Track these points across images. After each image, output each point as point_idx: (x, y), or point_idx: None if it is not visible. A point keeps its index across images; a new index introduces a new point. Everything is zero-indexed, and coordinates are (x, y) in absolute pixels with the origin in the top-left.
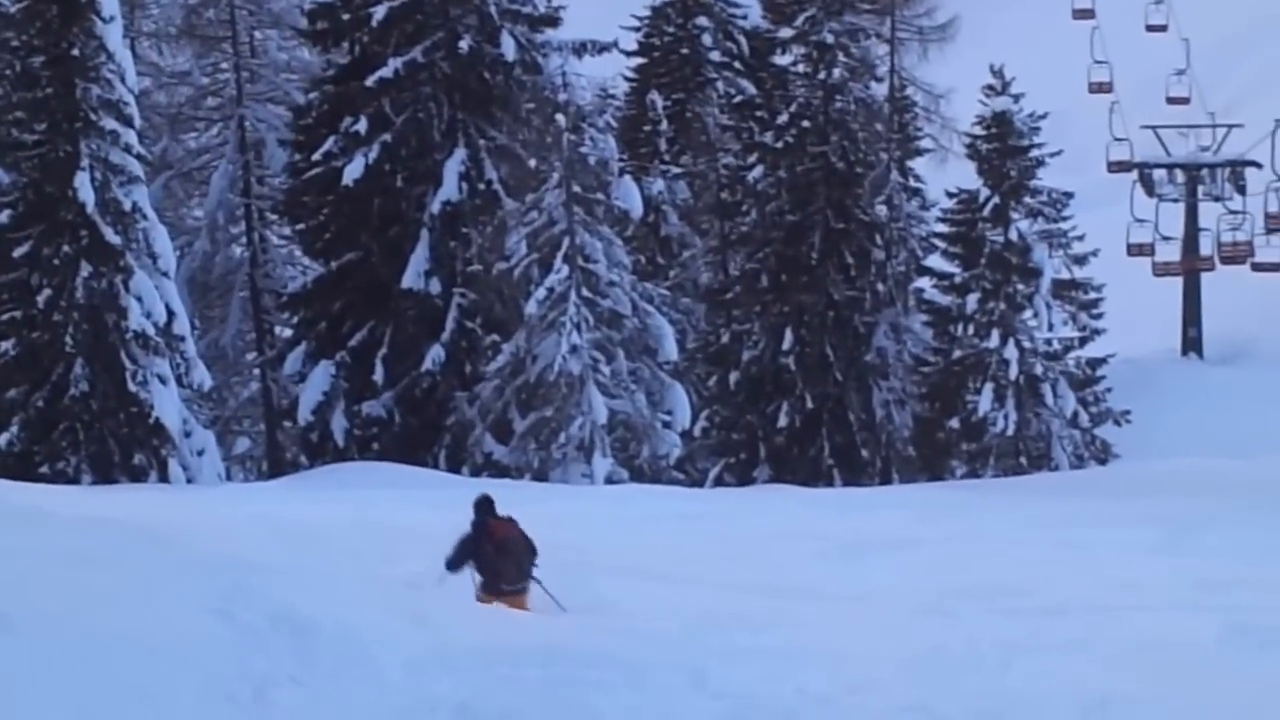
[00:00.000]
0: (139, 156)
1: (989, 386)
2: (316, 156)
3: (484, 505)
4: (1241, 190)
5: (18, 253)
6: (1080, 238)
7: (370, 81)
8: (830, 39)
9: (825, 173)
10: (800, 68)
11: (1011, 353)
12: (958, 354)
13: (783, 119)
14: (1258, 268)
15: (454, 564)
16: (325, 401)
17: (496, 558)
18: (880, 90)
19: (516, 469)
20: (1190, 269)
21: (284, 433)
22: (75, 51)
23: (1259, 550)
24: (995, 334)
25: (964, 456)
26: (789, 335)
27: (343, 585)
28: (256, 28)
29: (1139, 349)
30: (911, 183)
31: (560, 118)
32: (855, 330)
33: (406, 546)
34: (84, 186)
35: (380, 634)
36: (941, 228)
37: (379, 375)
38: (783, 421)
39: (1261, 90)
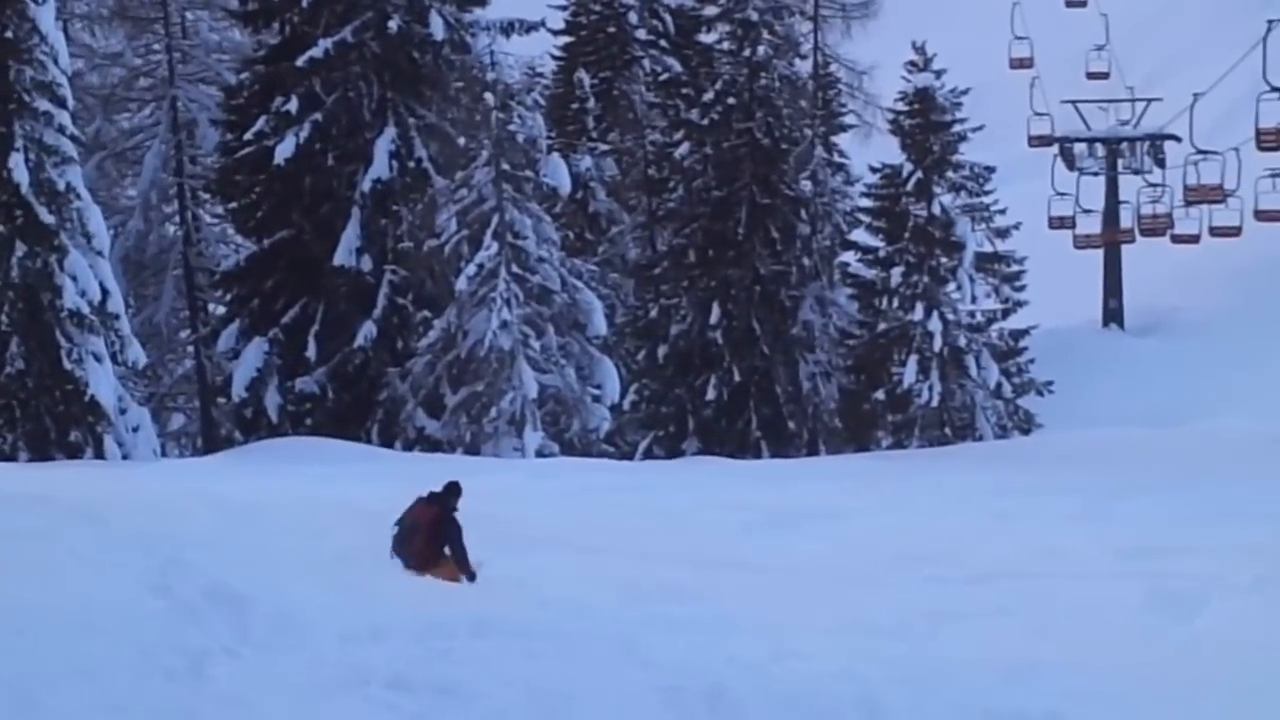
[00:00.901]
0: (73, 137)
1: (913, 358)
2: (248, 136)
3: (447, 490)
4: (1161, 163)
5: None
6: (1002, 211)
7: (301, 62)
8: (755, 16)
9: (751, 149)
10: (725, 45)
11: (935, 325)
12: (882, 327)
13: (708, 96)
14: (1177, 239)
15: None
16: (259, 378)
17: (404, 529)
18: (804, 67)
19: (448, 443)
20: (1111, 241)
21: (218, 409)
22: (8, 34)
23: (1179, 518)
24: (919, 307)
25: (889, 428)
26: (716, 309)
27: (277, 560)
28: (188, 9)
29: (1061, 320)
30: (836, 158)
31: (489, 96)
32: (781, 304)
33: (340, 520)
34: (18, 167)
35: (314, 607)
36: (865, 202)
37: (311, 351)
38: (711, 394)
39: (1180, 64)
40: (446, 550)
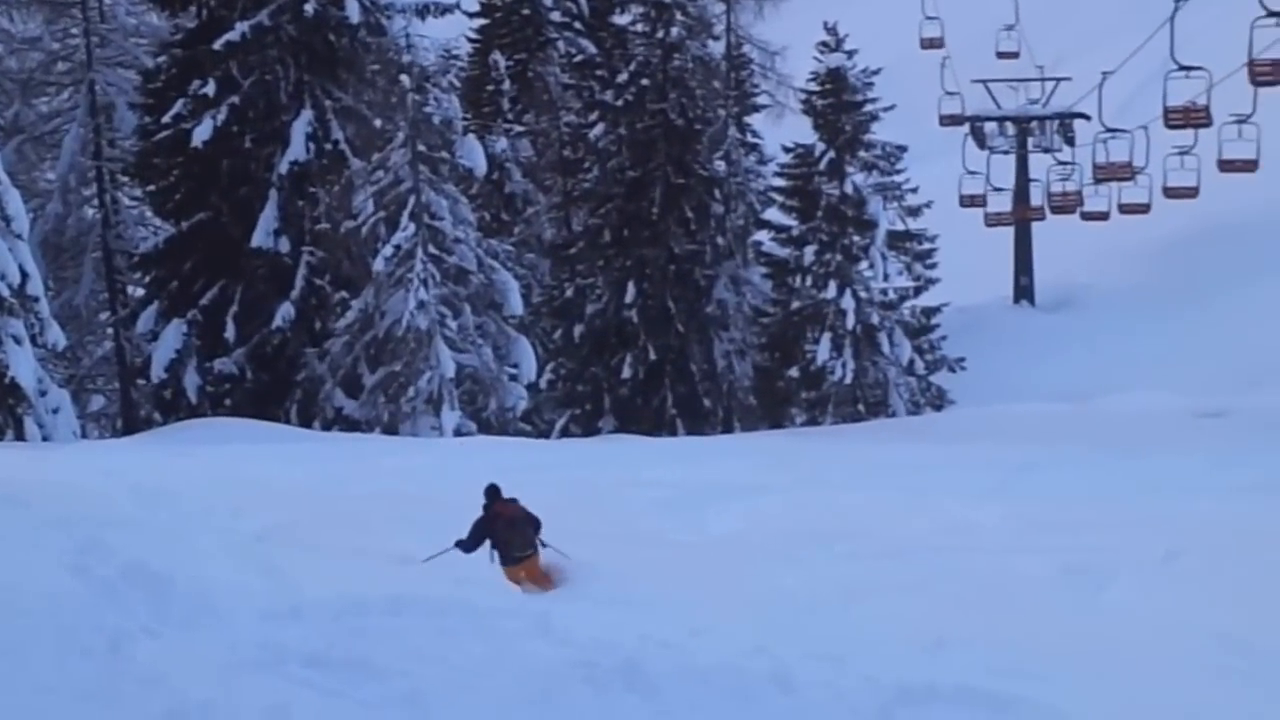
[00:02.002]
0: None
1: (827, 336)
2: (166, 119)
3: (492, 493)
4: (1070, 142)
5: None
6: (914, 190)
7: (218, 45)
8: None
9: (665, 130)
10: (639, 27)
11: (848, 303)
12: (796, 305)
13: (622, 77)
14: (1087, 217)
15: (469, 546)
16: (178, 359)
17: (506, 533)
18: (717, 48)
19: (366, 423)
20: (1021, 219)
21: (138, 390)
22: None
23: (1091, 492)
24: (832, 285)
25: (803, 405)
26: (631, 289)
27: (196, 540)
28: None
29: (972, 297)
30: (749, 138)
31: (405, 78)
32: (696, 283)
33: (258, 500)
34: None
35: (232, 586)
36: (779, 182)
37: (230, 333)
38: (626, 373)
39: (1089, 44)
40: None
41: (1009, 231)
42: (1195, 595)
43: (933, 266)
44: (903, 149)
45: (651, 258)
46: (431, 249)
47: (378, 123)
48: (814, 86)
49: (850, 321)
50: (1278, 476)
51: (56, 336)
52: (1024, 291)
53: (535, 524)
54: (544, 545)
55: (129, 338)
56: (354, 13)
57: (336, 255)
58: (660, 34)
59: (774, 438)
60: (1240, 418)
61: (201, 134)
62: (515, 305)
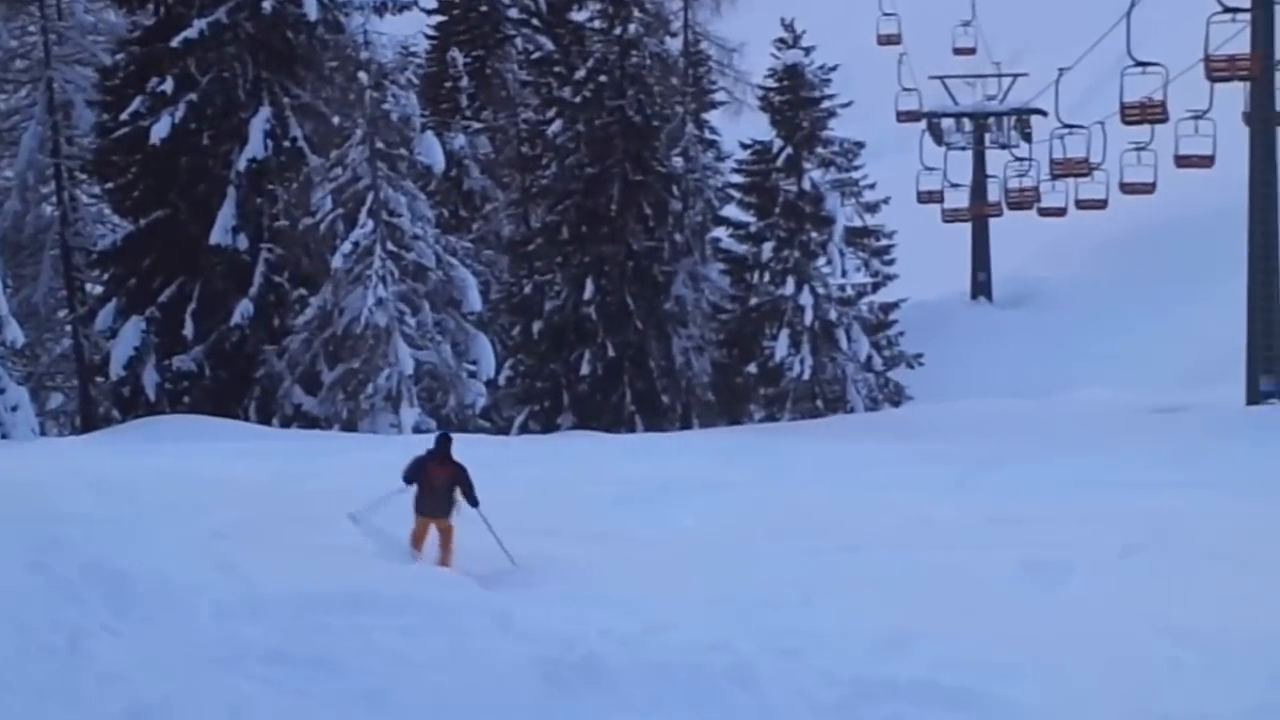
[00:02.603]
0: None
1: (785, 332)
2: (124, 116)
3: (439, 442)
4: (1027, 137)
5: None
6: (871, 186)
7: (176, 42)
8: None
9: (623, 126)
10: (596, 23)
11: (806, 299)
12: (754, 301)
13: (580, 74)
14: (1044, 213)
15: (406, 478)
16: (136, 356)
17: (427, 490)
18: (675, 45)
19: (325, 420)
20: (978, 215)
21: (96, 388)
22: None
23: (1048, 487)
24: (790, 281)
25: (762, 401)
26: (590, 285)
27: (155, 537)
28: None
29: (930, 293)
30: (707, 135)
31: (363, 75)
32: (654, 279)
33: (217, 497)
34: None
35: (192, 583)
36: (736, 178)
37: (189, 330)
38: (585, 369)
39: (1045, 40)
40: (457, 492)
41: (966, 227)
42: (1152, 590)
43: (890, 263)
44: (860, 145)
45: (610, 254)
46: (390, 246)
47: (336, 120)
48: (771, 83)
49: (808, 318)
50: (1233, 472)
51: (15, 334)
52: (981, 287)
53: (464, 489)
54: (475, 508)
55: (88, 335)
56: (312, 10)
57: (295, 252)
58: (618, 30)
59: (732, 434)
60: (1196, 414)
61: (160, 131)
62: (474, 302)
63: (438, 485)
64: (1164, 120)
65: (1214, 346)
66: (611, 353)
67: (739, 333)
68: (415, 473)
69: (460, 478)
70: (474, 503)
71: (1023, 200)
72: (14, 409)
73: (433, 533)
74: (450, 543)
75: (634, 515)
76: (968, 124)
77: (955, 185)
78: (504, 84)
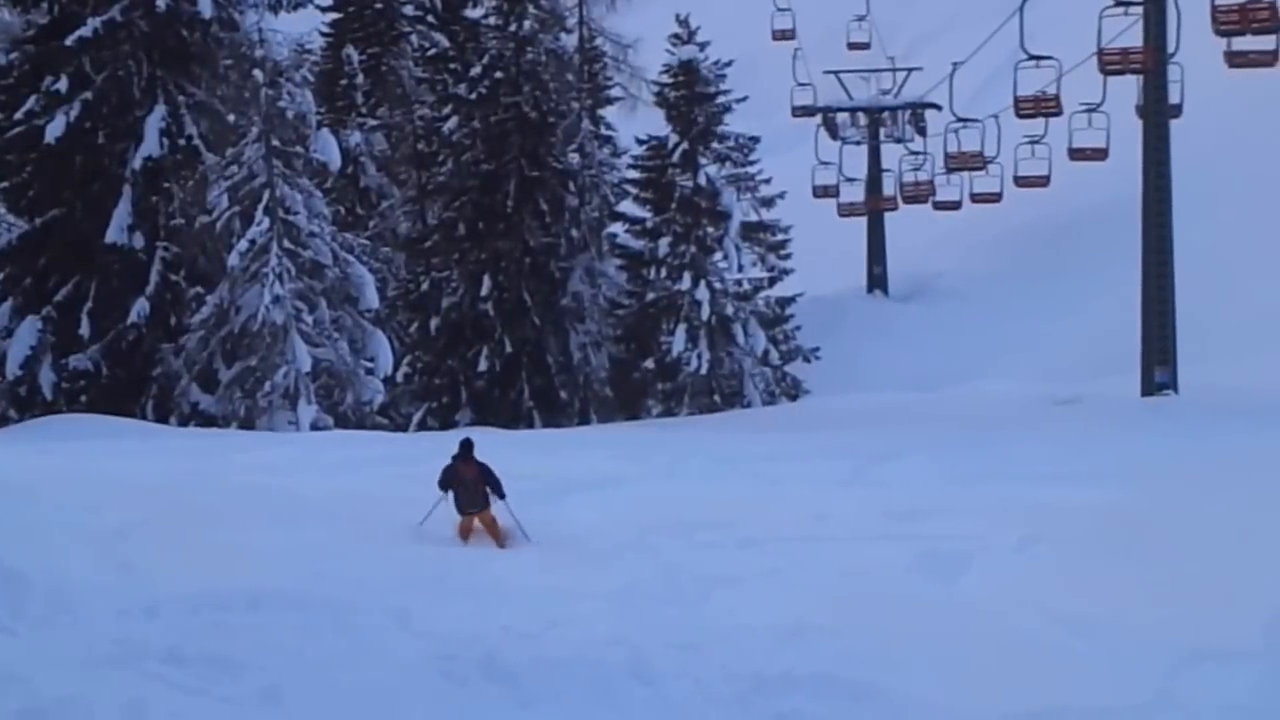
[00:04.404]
0: None
1: (682, 327)
2: (18, 115)
3: (463, 446)
4: (922, 131)
5: None
6: (767, 181)
7: (70, 41)
8: None
9: (518, 123)
10: (491, 20)
11: (703, 294)
12: (651, 296)
13: (476, 71)
14: (939, 206)
15: (442, 485)
16: (33, 356)
17: (459, 490)
18: (570, 41)
19: (223, 418)
20: (874, 209)
21: None
22: None
23: (945, 480)
24: (687, 276)
25: (659, 396)
26: (487, 281)
27: (52, 536)
28: None
29: (826, 288)
30: (603, 130)
31: (258, 73)
32: (551, 275)
33: (115, 497)
34: None
35: (89, 584)
36: (633, 174)
37: (85, 329)
38: (483, 366)
39: (939, 34)
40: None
41: (862, 222)
42: (1049, 581)
43: (786, 257)
44: (755, 140)
45: (506, 250)
46: (286, 243)
47: (231, 118)
48: (667, 79)
49: (705, 313)
50: (1128, 463)
51: None
52: (877, 281)
53: (492, 485)
54: (503, 500)
55: None
56: (206, 7)
57: (191, 251)
58: (513, 27)
59: (631, 429)
60: (1091, 405)
61: (54, 130)
62: (371, 299)
63: (468, 482)
64: (1058, 113)
65: (1111, 338)
66: (509, 349)
67: (636, 328)
68: (449, 478)
69: (487, 474)
70: (501, 495)
71: (918, 194)
72: None
73: (479, 525)
74: (497, 529)
75: (533, 511)
76: (863, 119)
77: (850, 180)
78: (399, 81)
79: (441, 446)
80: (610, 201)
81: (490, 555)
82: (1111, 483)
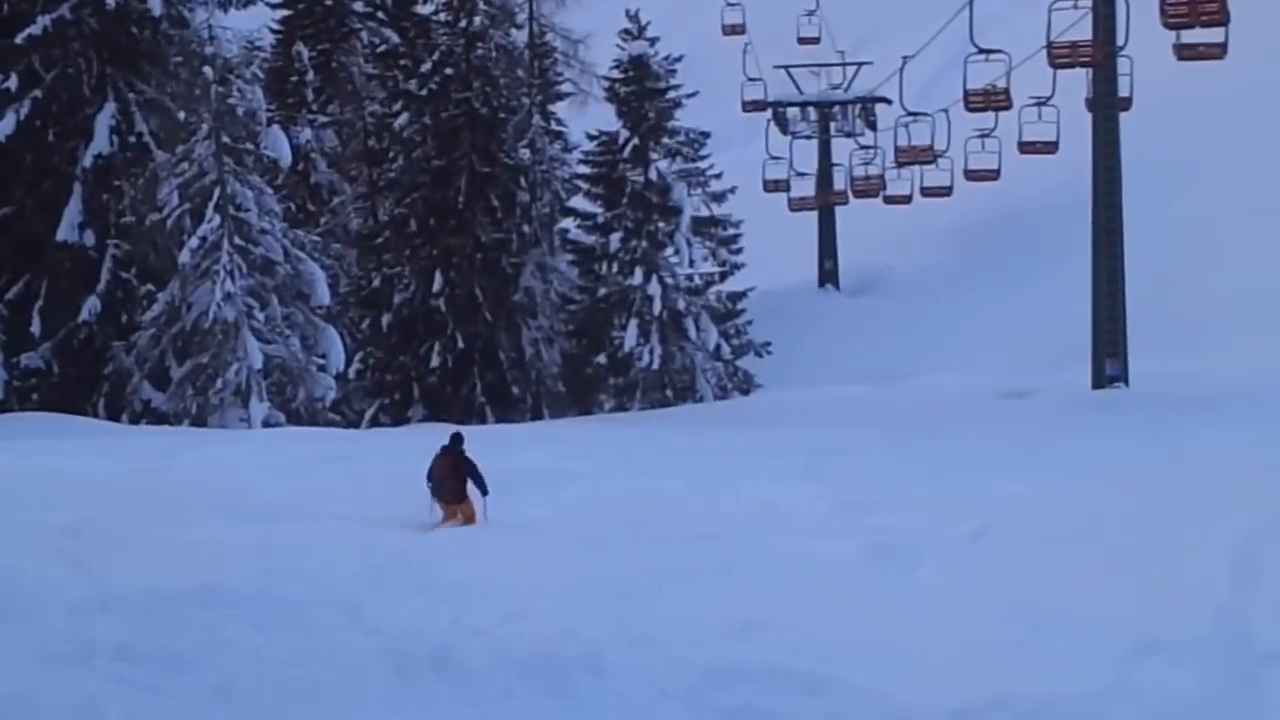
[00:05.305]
0: None
1: (634, 322)
2: None
3: (453, 439)
4: (872, 126)
5: None
6: (718, 176)
7: (19, 39)
8: None
9: (469, 119)
10: (442, 16)
11: (655, 289)
12: (603, 291)
13: (426, 67)
14: (889, 200)
15: (427, 477)
16: None
17: (436, 481)
18: (520, 37)
19: (175, 415)
20: (825, 203)
21: None
22: None
23: (893, 473)
24: (638, 271)
25: (611, 391)
26: (439, 277)
27: (4, 534)
28: None
29: (778, 282)
30: (553, 126)
31: (208, 70)
32: (503, 271)
33: (66, 494)
34: None
35: (41, 581)
36: (584, 169)
37: (36, 327)
38: (435, 361)
39: (889, 28)
40: (469, 485)
41: (813, 216)
42: (1000, 574)
43: (738, 252)
44: (706, 135)
45: (458, 246)
46: (237, 240)
47: (181, 115)
48: (617, 74)
49: (657, 307)
50: (1080, 455)
51: None
52: (829, 275)
53: (474, 479)
54: (483, 494)
55: None
56: (156, 5)
57: (142, 248)
58: (463, 23)
59: (583, 424)
60: (1043, 398)
61: (4, 128)
62: (322, 295)
63: (440, 474)
64: (1008, 107)
65: (1061, 331)
66: (461, 345)
67: (588, 323)
68: (430, 469)
69: (465, 467)
70: (484, 491)
71: (868, 188)
72: None
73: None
74: (471, 517)
75: (488, 507)
76: (813, 113)
77: (801, 174)
78: (350, 78)
79: (394, 443)
80: (561, 197)
81: (442, 549)
82: (1061, 475)
